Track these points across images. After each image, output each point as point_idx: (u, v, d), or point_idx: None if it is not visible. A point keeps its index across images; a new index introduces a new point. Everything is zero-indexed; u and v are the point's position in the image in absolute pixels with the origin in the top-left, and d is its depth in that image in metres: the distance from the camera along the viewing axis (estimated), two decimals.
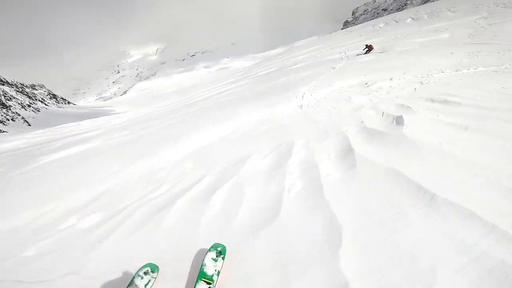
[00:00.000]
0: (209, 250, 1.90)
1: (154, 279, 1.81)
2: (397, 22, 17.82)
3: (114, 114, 35.89)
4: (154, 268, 1.86)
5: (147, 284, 1.76)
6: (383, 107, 4.00)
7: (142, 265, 1.89)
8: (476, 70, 5.35)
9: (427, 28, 12.82)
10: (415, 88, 4.77)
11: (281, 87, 8.05)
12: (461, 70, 5.47)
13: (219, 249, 1.91)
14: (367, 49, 10.57)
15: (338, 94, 5.73)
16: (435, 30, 11.64)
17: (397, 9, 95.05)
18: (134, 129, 8.31)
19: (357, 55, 10.70)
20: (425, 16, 15.95)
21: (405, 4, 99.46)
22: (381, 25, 18.79)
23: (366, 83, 5.97)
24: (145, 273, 1.81)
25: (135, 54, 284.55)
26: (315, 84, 7.23)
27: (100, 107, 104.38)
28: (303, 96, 6.38)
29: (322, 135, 3.60)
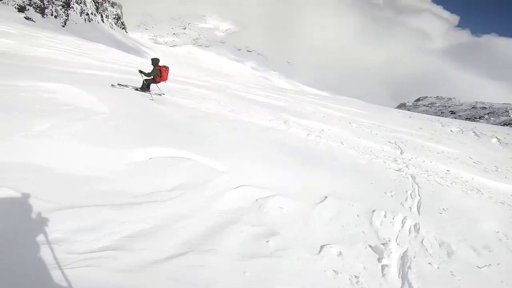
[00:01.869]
0: None
1: None
2: (477, 136, 13.08)
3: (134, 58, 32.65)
4: None
5: None
6: None
7: None
8: None
9: None
10: None
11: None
12: None
13: None
14: None
15: None
16: None
17: (466, 118, 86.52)
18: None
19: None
20: None
21: (480, 117, 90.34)
22: (453, 129, 14.07)
23: None
24: None
25: (208, 23, 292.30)
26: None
27: (141, 45, 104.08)
28: None
29: None
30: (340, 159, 5.81)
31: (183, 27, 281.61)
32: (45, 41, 19.36)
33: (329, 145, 6.73)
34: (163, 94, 7.91)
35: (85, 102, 4.90)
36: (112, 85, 6.87)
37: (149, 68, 8.30)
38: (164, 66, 7.49)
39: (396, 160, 6.58)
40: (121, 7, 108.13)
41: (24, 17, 35.22)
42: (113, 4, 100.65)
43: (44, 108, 4.05)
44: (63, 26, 53.86)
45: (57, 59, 11.05)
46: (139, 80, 8.22)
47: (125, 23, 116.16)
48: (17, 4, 35.27)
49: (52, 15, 47.79)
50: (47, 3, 45.38)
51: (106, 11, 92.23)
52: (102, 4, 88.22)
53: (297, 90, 30.24)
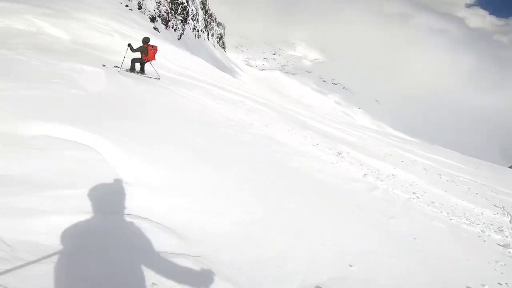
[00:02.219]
0: None
1: None
2: None
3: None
4: None
5: None
6: None
7: None
8: None
9: None
10: None
11: None
12: None
13: None
14: None
15: None
16: None
17: None
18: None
19: None
20: None
21: None
22: None
23: None
24: None
25: (297, 51, 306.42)
26: None
27: (235, 65, 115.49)
28: None
29: None
30: (404, 218, 4.41)
31: (274, 53, 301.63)
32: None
33: (393, 195, 5.37)
34: (159, 78, 7.92)
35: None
36: (103, 65, 7.05)
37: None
38: (152, 46, 7.43)
39: (502, 231, 4.79)
40: (224, 27, 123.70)
41: (153, 27, 43.58)
42: (218, 24, 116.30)
43: None
44: (179, 39, 64.10)
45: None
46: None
47: (225, 42, 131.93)
48: (151, 15, 43.94)
49: (172, 28, 57.99)
50: (171, 16, 55.18)
51: (212, 30, 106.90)
52: (210, 23, 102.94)
53: (380, 131, 27.69)
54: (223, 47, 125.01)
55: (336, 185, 5.05)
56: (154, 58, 7.74)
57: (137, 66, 7.76)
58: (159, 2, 48.01)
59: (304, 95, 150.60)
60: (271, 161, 4.92)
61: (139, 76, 7.62)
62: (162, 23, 49.63)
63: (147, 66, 8.14)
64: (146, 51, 7.46)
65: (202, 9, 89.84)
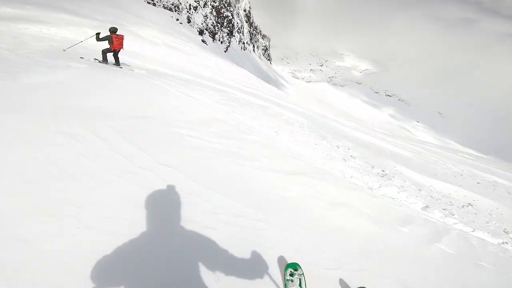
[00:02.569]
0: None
1: (302, 275, 2.04)
2: None
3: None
4: (295, 266, 2.10)
5: (300, 283, 1.99)
6: None
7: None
8: None
9: None
10: None
11: None
12: None
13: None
14: None
15: None
16: None
17: None
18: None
19: None
20: None
21: None
22: None
23: None
24: (291, 275, 2.03)
25: (345, 62, 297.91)
26: None
27: (280, 78, 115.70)
28: None
29: None
30: None
31: (320, 64, 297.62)
32: (201, 59, 24.11)
33: (476, 242, 3.50)
34: (128, 67, 8.05)
35: None
36: (81, 58, 7.29)
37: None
38: (117, 35, 7.49)
39: None
40: (270, 39, 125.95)
41: (201, 39, 46.03)
42: (263, 36, 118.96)
43: None
44: (225, 52, 66.81)
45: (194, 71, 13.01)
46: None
47: (271, 55, 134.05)
48: (199, 28, 46.49)
49: (219, 40, 60.76)
50: (217, 29, 57.85)
51: (257, 42, 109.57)
52: (255, 35, 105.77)
53: (445, 146, 23.65)
54: (268, 59, 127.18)
55: (370, 236, 3.05)
56: (121, 47, 7.74)
57: (109, 56, 7.88)
58: (206, 16, 50.98)
59: (353, 108, 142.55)
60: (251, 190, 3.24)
61: (114, 67, 7.63)
62: (209, 36, 52.37)
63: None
64: (112, 40, 7.48)
65: (246, 22, 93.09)
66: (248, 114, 7.40)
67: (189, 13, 45.76)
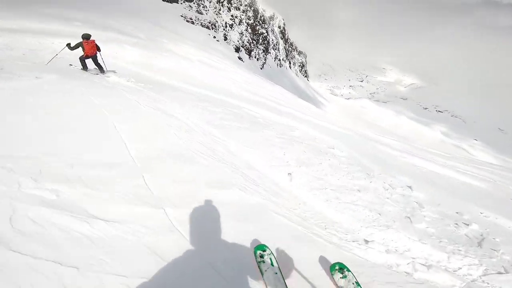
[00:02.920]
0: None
1: (272, 254, 2.15)
2: None
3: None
4: (263, 248, 2.21)
5: (271, 262, 2.09)
6: None
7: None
8: None
9: None
10: None
11: None
12: None
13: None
14: None
15: None
16: None
17: None
18: None
19: None
20: None
21: None
22: None
23: None
24: (261, 256, 2.12)
25: (388, 76, 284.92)
26: None
27: (318, 95, 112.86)
28: None
29: None
30: None
31: (360, 80, 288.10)
32: (231, 74, 23.88)
33: None
34: (104, 72, 7.96)
35: None
36: (70, 65, 7.78)
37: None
38: (87, 40, 7.53)
39: None
40: (306, 56, 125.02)
41: (238, 56, 46.89)
42: (299, 53, 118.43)
43: None
44: (261, 69, 67.49)
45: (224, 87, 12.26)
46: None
47: (308, 71, 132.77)
48: (235, 45, 47.47)
49: (255, 57, 61.64)
50: (253, 46, 58.74)
51: (293, 59, 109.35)
52: (291, 51, 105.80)
53: None
54: (305, 76, 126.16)
55: None
56: (93, 52, 7.73)
57: (90, 63, 8.00)
58: (241, 33, 52.13)
59: (399, 125, 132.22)
60: None
61: (95, 75, 7.61)
62: (245, 53, 53.28)
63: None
64: (83, 46, 7.58)
65: (281, 38, 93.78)
66: (252, 139, 5.57)
67: (225, 30, 47.21)
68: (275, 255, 2.09)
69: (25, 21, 12.85)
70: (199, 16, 40.78)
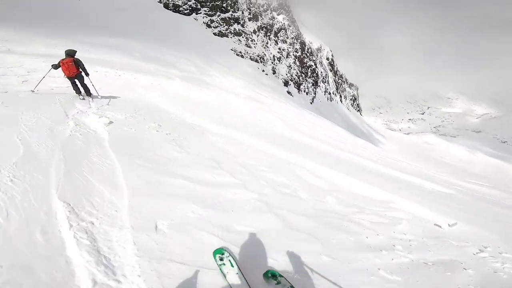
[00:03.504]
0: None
1: (230, 256, 2.22)
2: None
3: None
4: (221, 251, 2.27)
5: (231, 264, 2.14)
6: None
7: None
8: None
9: None
10: None
11: None
12: None
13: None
14: None
15: None
16: None
17: None
18: None
19: None
20: None
21: None
22: None
23: None
24: (221, 259, 2.17)
25: (455, 107, 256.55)
26: None
27: (374, 131, 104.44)
28: None
29: None
30: None
31: (421, 112, 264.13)
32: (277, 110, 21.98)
33: None
34: (90, 97, 7.05)
35: None
36: (32, 91, 6.52)
37: None
38: (63, 60, 6.68)
39: None
40: (358, 88, 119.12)
41: (287, 91, 45.88)
42: (350, 85, 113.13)
43: None
44: (311, 103, 65.11)
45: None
46: None
47: (360, 105, 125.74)
48: (283, 79, 46.76)
49: (304, 91, 60.15)
50: (302, 80, 57.47)
51: (344, 92, 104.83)
52: (341, 84, 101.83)
53: None
54: (358, 110, 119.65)
55: None
56: (70, 73, 6.77)
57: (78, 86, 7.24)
58: (289, 66, 51.67)
59: (473, 163, 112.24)
60: None
61: (82, 100, 6.82)
62: (294, 86, 52.24)
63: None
64: (59, 66, 6.75)
65: (331, 71, 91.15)
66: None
67: (274, 63, 47.28)
68: (233, 256, 2.19)
69: (93, 55, 13.41)
70: (248, 49, 41.69)
